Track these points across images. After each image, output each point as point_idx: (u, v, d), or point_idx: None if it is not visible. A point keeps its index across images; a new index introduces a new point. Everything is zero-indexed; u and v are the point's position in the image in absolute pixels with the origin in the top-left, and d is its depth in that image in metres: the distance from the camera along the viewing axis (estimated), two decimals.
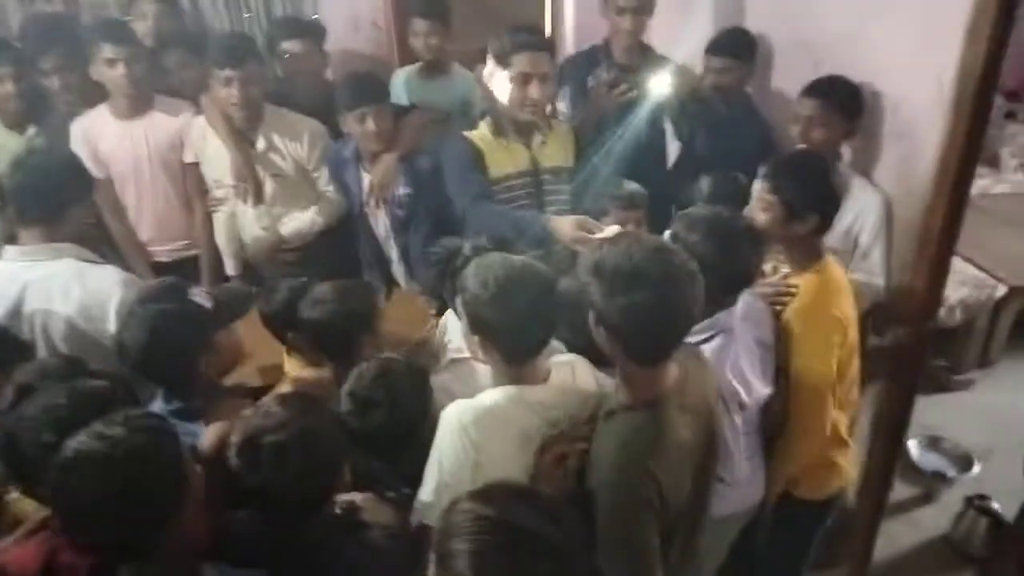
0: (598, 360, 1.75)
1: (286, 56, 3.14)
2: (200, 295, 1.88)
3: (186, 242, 3.13)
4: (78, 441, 1.29)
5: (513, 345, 1.64)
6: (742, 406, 1.96)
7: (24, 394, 1.61)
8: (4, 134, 2.93)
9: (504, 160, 2.62)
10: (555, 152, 2.70)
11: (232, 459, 1.49)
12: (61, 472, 1.27)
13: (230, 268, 3.15)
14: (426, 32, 3.29)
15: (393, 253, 2.98)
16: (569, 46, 3.88)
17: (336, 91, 2.82)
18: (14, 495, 1.69)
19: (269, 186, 2.96)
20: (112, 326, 2.06)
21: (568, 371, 1.76)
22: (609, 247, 1.47)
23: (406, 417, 1.82)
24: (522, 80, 2.55)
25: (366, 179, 2.85)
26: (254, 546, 1.52)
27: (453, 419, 1.63)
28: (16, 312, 2.11)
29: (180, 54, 3.04)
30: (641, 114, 2.90)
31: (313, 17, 3.84)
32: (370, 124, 2.69)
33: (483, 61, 3.59)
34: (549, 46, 2.67)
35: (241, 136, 2.88)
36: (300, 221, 3.03)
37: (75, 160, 2.36)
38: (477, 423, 1.60)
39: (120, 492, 1.25)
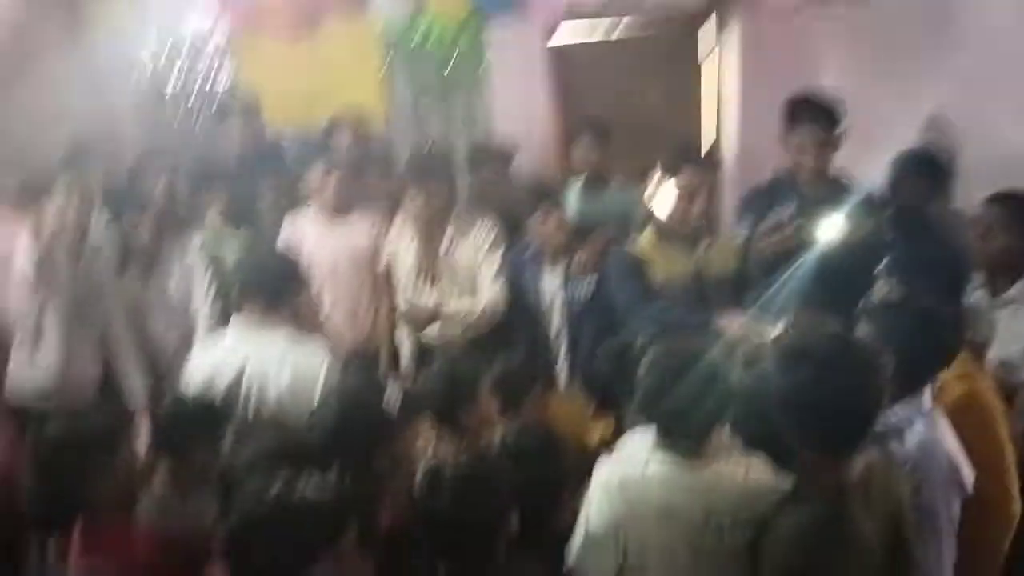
0: (778, 462, 1.76)
1: (479, 175, 3.52)
2: (393, 388, 2.08)
3: (368, 335, 3.41)
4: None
5: (672, 422, 1.71)
6: (962, 488, 1.85)
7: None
8: (223, 229, 3.43)
9: (667, 266, 2.74)
10: (719, 260, 2.79)
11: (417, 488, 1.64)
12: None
13: (406, 361, 3.39)
14: (588, 147, 3.61)
15: (561, 350, 3.13)
16: (732, 162, 4.03)
17: (517, 201, 3.16)
18: None
19: (447, 278, 3.24)
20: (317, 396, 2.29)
21: (741, 467, 1.77)
22: (792, 332, 1.54)
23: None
24: (685, 194, 2.68)
25: (546, 276, 3.08)
26: None
27: (604, 475, 1.75)
28: (237, 381, 2.39)
29: (377, 171, 3.45)
30: (824, 248, 2.74)
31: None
32: (551, 220, 3.01)
33: (647, 176, 3.78)
34: (712, 161, 2.82)
35: (429, 233, 3.20)
36: (462, 303, 3.25)
37: (292, 258, 2.70)
38: (623, 486, 1.72)
39: None
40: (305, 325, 3.22)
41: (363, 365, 2.24)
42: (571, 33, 4.41)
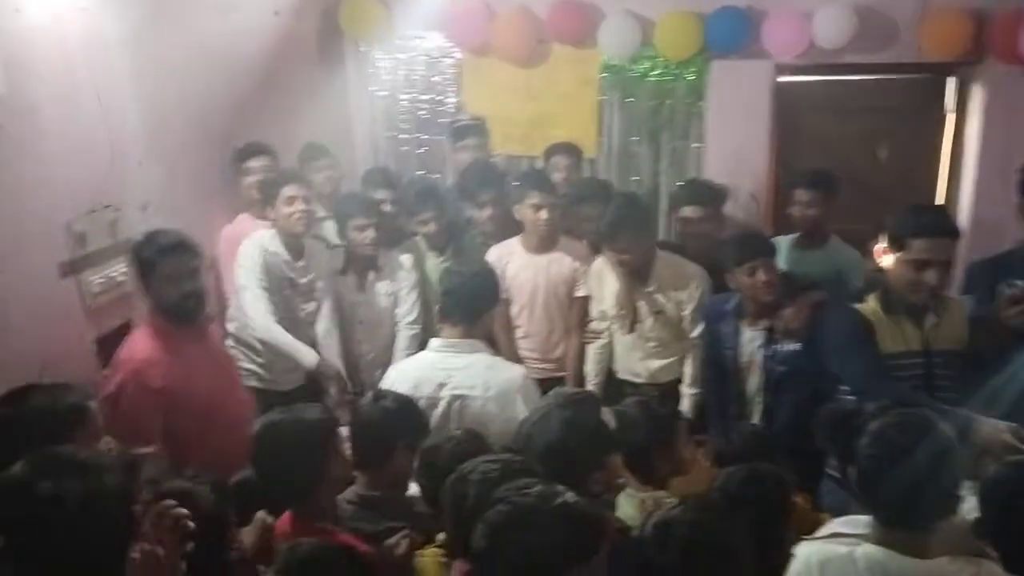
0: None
1: (686, 218, 3.46)
2: (608, 415, 2.05)
3: (556, 365, 3.45)
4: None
5: (894, 504, 1.60)
6: None
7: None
8: (428, 255, 3.60)
9: (893, 338, 2.53)
10: (949, 335, 2.56)
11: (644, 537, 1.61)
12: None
13: None
14: (807, 203, 3.42)
15: (756, 412, 3.00)
16: (966, 230, 3.71)
17: (724, 249, 3.03)
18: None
19: (648, 323, 3.22)
20: (521, 413, 2.34)
21: (971, 568, 1.62)
22: None
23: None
24: (918, 265, 2.46)
25: (746, 333, 2.95)
26: None
27: (804, 556, 1.67)
28: (436, 394, 2.49)
29: (591, 206, 3.43)
30: None
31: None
32: (760, 275, 2.86)
33: (872, 237, 3.56)
34: (953, 232, 2.56)
35: (634, 276, 3.18)
36: (663, 366, 3.28)
37: (491, 277, 2.79)
38: (823, 567, 1.62)
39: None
40: (497, 345, 3.36)
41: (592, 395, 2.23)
42: (799, 72, 4.18)
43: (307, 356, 3.18)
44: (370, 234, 3.35)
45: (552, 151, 3.87)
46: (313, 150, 3.89)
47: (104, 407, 2.34)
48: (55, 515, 1.24)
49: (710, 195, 3.54)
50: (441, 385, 2.49)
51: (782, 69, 4.11)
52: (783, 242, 3.55)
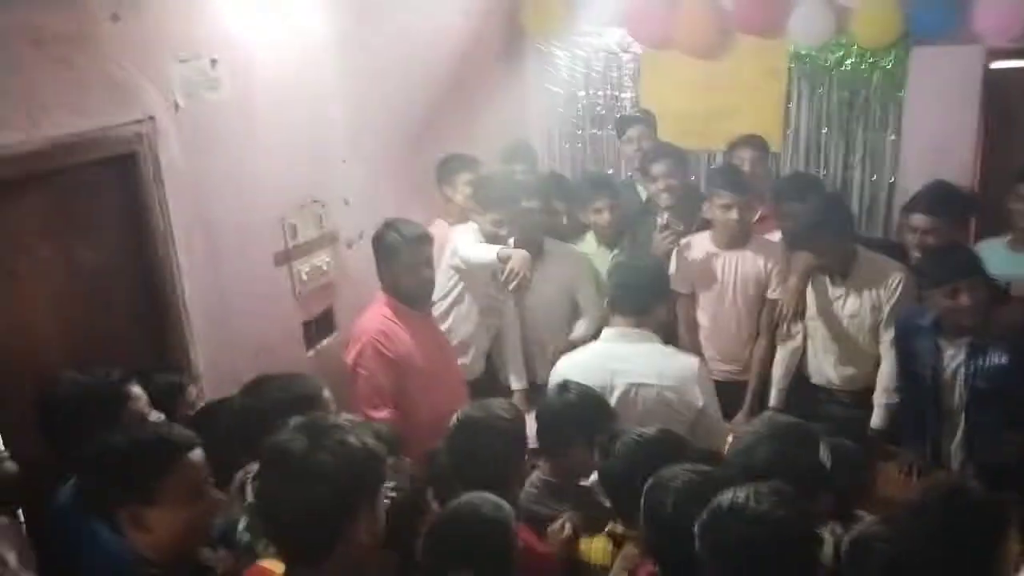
0: None
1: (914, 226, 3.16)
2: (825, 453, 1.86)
3: (740, 367, 3.36)
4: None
5: None
6: None
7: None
8: (599, 250, 3.59)
9: None
10: None
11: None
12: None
13: (774, 400, 3.28)
14: None
15: (958, 430, 2.78)
16: None
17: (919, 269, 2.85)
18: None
19: (842, 326, 3.08)
20: (699, 402, 2.41)
21: None
22: None
23: None
24: None
25: (947, 351, 2.73)
26: None
27: None
28: (609, 383, 2.47)
29: (796, 203, 3.26)
30: None
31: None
32: (964, 299, 2.58)
33: None
34: None
35: (822, 281, 3.07)
36: (853, 374, 3.14)
37: (661, 269, 2.82)
38: None
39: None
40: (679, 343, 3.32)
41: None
42: (1014, 56, 3.79)
43: (489, 252, 3.13)
44: (535, 218, 3.40)
45: (736, 144, 3.76)
46: (519, 151, 3.97)
47: (349, 372, 2.63)
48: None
49: (953, 204, 3.19)
50: (614, 373, 2.47)
51: (994, 54, 3.77)
52: (994, 244, 3.26)
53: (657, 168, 3.50)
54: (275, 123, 2.96)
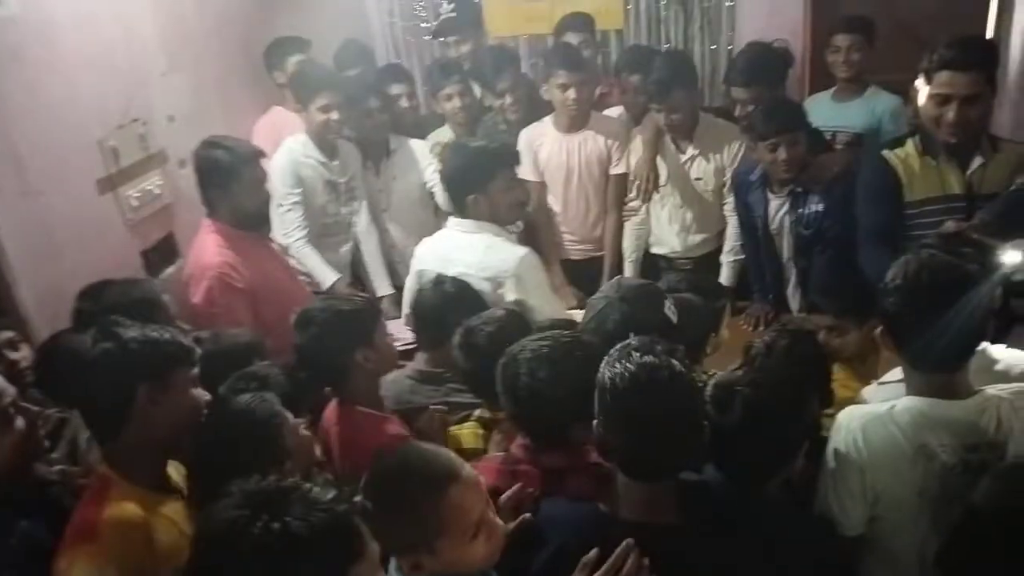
0: None
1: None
2: (670, 309, 1.90)
3: (594, 245, 3.45)
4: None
5: (916, 348, 1.56)
6: None
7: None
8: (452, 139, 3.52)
9: (930, 182, 2.43)
10: (997, 177, 2.40)
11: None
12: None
13: (628, 273, 3.39)
14: (848, 47, 3.29)
15: (792, 276, 2.98)
16: (1014, 66, 3.51)
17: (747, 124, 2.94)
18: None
19: (688, 193, 3.18)
20: (510, 296, 2.36)
21: (1007, 404, 1.58)
22: None
23: None
24: (940, 100, 2.31)
25: (773, 202, 2.89)
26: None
27: (844, 422, 1.65)
28: (445, 271, 2.45)
29: (637, 74, 3.31)
30: None
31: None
32: (782, 152, 2.74)
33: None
34: (977, 65, 2.30)
35: (668, 147, 3.13)
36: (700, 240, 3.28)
37: (483, 155, 2.55)
38: (865, 430, 1.60)
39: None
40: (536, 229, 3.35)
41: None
42: None
43: (326, 278, 3.20)
44: (376, 119, 3.34)
45: (564, 25, 3.71)
46: (351, 51, 3.81)
47: (196, 318, 2.47)
48: None
49: (766, 68, 3.20)
50: (449, 262, 2.48)
51: None
52: (820, 97, 3.42)
53: (502, 83, 3.44)
54: (79, 39, 2.72)
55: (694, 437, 1.45)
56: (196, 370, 1.66)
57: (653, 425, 1.39)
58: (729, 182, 3.13)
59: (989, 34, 3.83)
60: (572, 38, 3.59)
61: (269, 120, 3.57)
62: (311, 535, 0.99)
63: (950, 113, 2.29)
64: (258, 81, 3.62)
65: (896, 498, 1.60)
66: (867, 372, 2.32)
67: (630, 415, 1.40)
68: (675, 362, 1.41)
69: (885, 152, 2.50)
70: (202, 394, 1.68)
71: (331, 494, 1.07)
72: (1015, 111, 3.45)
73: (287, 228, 3.17)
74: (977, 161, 2.40)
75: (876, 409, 1.63)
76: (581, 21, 3.69)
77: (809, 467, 1.72)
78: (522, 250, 2.50)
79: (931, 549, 1.57)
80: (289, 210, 3.18)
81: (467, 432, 2.09)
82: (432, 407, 2.16)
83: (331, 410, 2.12)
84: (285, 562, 0.98)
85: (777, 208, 2.89)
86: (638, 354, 1.41)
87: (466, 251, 2.48)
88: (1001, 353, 1.81)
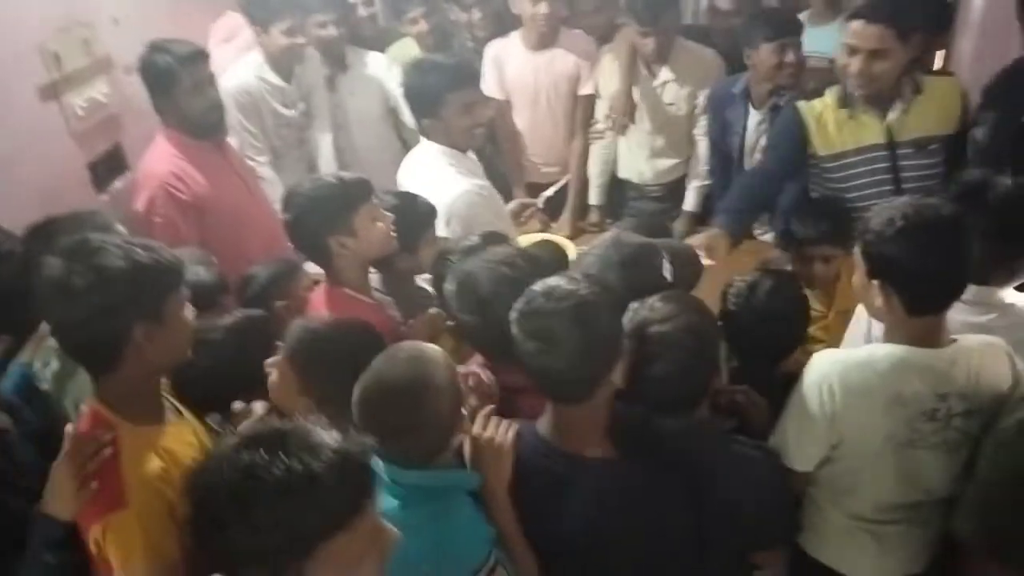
0: None
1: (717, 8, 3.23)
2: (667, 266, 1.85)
3: (562, 168, 3.38)
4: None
5: (917, 291, 1.54)
6: None
7: None
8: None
9: (846, 134, 2.39)
10: (919, 122, 2.36)
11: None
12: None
13: (594, 197, 3.37)
14: None
15: None
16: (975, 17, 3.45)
17: (746, 26, 2.86)
18: None
19: (659, 119, 3.12)
20: (441, 232, 2.26)
21: (977, 355, 1.61)
22: None
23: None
24: (848, 50, 2.26)
25: (753, 117, 2.87)
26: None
27: (821, 367, 1.62)
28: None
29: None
30: None
31: None
32: (790, 55, 2.71)
33: None
34: (891, 19, 2.22)
35: (643, 68, 3.05)
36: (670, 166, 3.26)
37: (444, 69, 2.41)
38: (844, 377, 1.59)
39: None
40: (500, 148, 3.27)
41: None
42: None
43: None
44: (330, 31, 3.20)
45: None
46: None
47: (135, 225, 2.35)
48: None
49: None
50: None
51: None
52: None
53: None
54: None
55: (608, 358, 1.44)
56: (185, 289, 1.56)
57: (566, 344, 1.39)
58: (701, 104, 3.08)
59: None
60: None
61: (224, 25, 3.37)
62: (327, 473, 1.02)
63: (854, 64, 2.25)
64: None
65: (861, 442, 1.62)
66: (829, 299, 2.38)
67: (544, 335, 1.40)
68: (587, 288, 1.42)
69: (800, 103, 2.46)
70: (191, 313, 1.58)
71: (337, 437, 1.08)
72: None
73: (245, 151, 3.05)
74: (898, 107, 2.36)
75: (854, 355, 1.63)
76: None
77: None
78: (460, 188, 2.33)
79: (888, 491, 1.63)
80: (243, 131, 3.05)
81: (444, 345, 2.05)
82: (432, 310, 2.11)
83: (318, 293, 2.10)
84: (307, 501, 1.01)
85: (757, 123, 2.87)
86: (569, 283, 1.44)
87: (420, 179, 2.40)
88: None
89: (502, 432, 1.51)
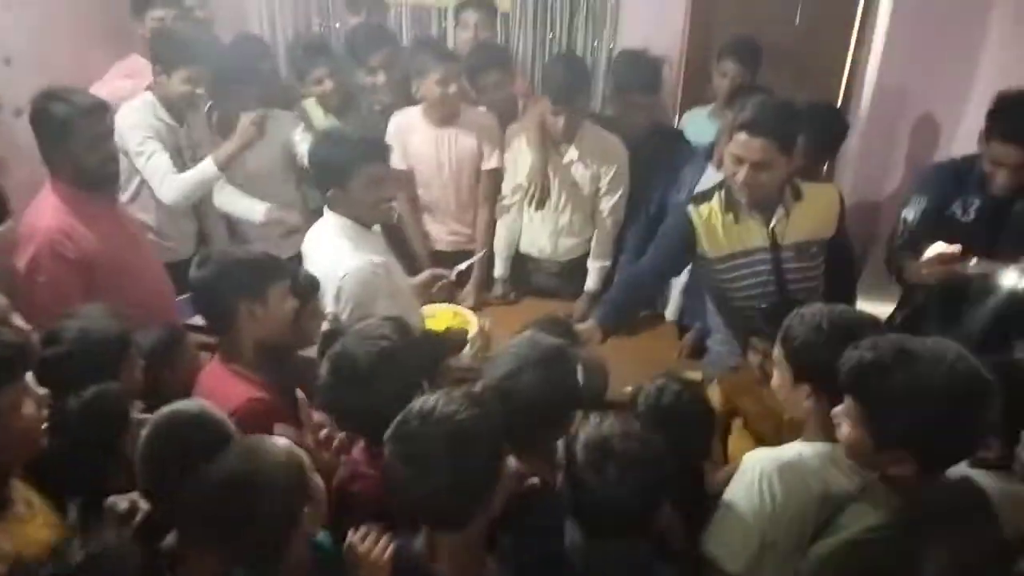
0: None
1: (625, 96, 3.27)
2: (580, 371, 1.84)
3: (465, 237, 3.42)
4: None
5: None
6: None
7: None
8: (327, 119, 3.41)
9: (732, 238, 2.50)
10: (801, 226, 2.48)
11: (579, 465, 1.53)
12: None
13: (499, 270, 3.41)
14: (734, 75, 3.35)
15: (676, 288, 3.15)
16: (865, 106, 3.76)
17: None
18: None
19: (563, 197, 3.20)
20: (328, 307, 2.29)
21: None
22: None
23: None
24: (734, 160, 2.36)
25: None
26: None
27: (756, 465, 1.68)
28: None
29: (496, 74, 3.28)
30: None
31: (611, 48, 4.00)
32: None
33: None
34: (774, 133, 2.31)
35: (551, 146, 3.12)
36: (572, 244, 3.33)
37: (343, 145, 2.40)
38: (781, 474, 1.65)
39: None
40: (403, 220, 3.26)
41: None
42: None
43: (254, 211, 3.07)
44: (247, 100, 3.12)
45: (464, 5, 3.63)
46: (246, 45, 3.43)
47: (16, 280, 2.25)
48: None
49: (649, 72, 3.26)
50: (308, 260, 2.47)
51: None
52: (697, 113, 3.52)
53: (375, 60, 3.30)
54: None
55: (484, 487, 1.42)
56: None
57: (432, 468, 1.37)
58: (605, 188, 3.16)
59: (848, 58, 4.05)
60: (471, 16, 3.53)
61: (126, 67, 3.26)
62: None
63: (740, 174, 2.36)
64: (118, 23, 3.27)
65: (793, 539, 1.66)
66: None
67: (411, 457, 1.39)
68: (466, 412, 1.40)
69: (690, 208, 2.54)
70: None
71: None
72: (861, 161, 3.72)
73: (160, 174, 2.93)
74: (779, 213, 2.48)
75: (785, 453, 1.69)
76: (480, 2, 3.60)
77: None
78: (353, 264, 2.31)
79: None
80: (153, 153, 2.93)
81: None
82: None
83: (208, 371, 2.07)
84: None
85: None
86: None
87: (319, 251, 2.40)
88: None
89: (380, 548, 1.50)
